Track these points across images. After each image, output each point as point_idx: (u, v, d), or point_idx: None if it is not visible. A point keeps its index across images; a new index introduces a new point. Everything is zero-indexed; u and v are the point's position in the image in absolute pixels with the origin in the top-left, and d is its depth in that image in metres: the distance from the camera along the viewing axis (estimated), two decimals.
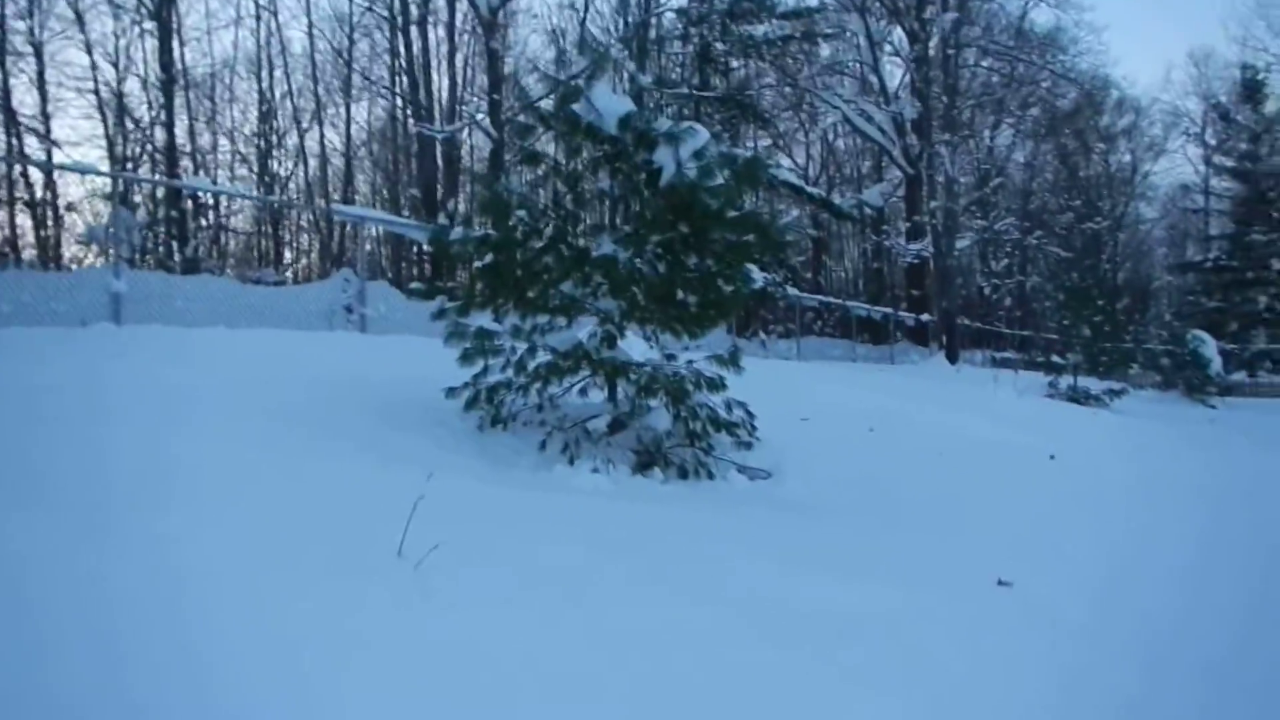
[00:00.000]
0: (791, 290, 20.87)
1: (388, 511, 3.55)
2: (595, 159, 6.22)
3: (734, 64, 24.41)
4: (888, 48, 26.94)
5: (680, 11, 23.28)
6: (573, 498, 4.92)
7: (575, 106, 5.96)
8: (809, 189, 26.26)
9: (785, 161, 30.11)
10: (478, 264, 5.84)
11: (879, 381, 14.88)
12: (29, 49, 23.74)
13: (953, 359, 23.84)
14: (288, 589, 3.07)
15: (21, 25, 23.48)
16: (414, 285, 7.26)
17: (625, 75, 6.44)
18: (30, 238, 24.55)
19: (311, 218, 26.65)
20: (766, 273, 18.21)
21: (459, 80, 24.02)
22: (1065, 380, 18.37)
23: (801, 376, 13.88)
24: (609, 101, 5.87)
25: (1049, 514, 6.08)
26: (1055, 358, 20.02)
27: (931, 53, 25.38)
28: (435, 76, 24.29)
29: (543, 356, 5.93)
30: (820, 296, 25.37)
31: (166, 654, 2.58)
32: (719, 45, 22.57)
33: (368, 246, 12.71)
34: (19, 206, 23.77)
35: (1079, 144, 37.68)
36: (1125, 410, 17.03)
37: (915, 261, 26.53)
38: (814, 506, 5.48)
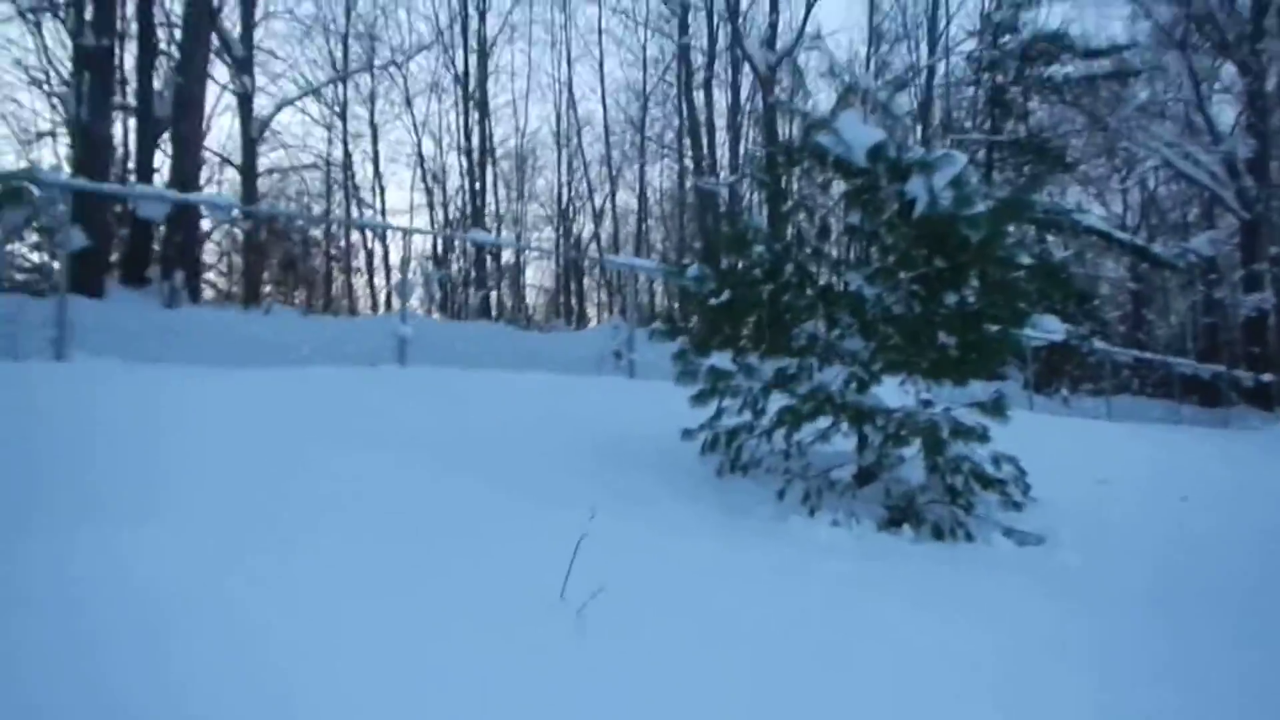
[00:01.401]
0: (1100, 344, 19.00)
1: (600, 560, 3.37)
2: (846, 192, 5.86)
3: (1032, 107, 22.91)
4: (1215, 83, 24.26)
5: (969, 56, 22.25)
6: (803, 553, 4.52)
7: (823, 139, 5.65)
8: (1120, 236, 23.94)
9: (1097, 210, 27.72)
10: (713, 302, 5.63)
11: (1204, 446, 13.06)
12: (367, 131, 26.81)
13: None
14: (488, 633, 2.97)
15: (362, 111, 26.59)
16: (655, 326, 7.14)
17: (879, 108, 6.02)
18: (364, 294, 27.77)
19: (601, 271, 27.87)
20: (1070, 324, 16.69)
21: (741, 135, 24.37)
22: None
23: (1108, 436, 12.45)
24: (858, 132, 5.51)
25: None
26: None
27: (1269, 87, 22.52)
28: (720, 133, 24.87)
29: (780, 399, 5.59)
30: (1136, 352, 22.89)
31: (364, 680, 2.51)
32: (1013, 89, 21.28)
33: (639, 294, 13.04)
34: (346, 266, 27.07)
35: None
36: None
37: (1254, 315, 23.43)
38: (1087, 580, 4.71)
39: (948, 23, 23.41)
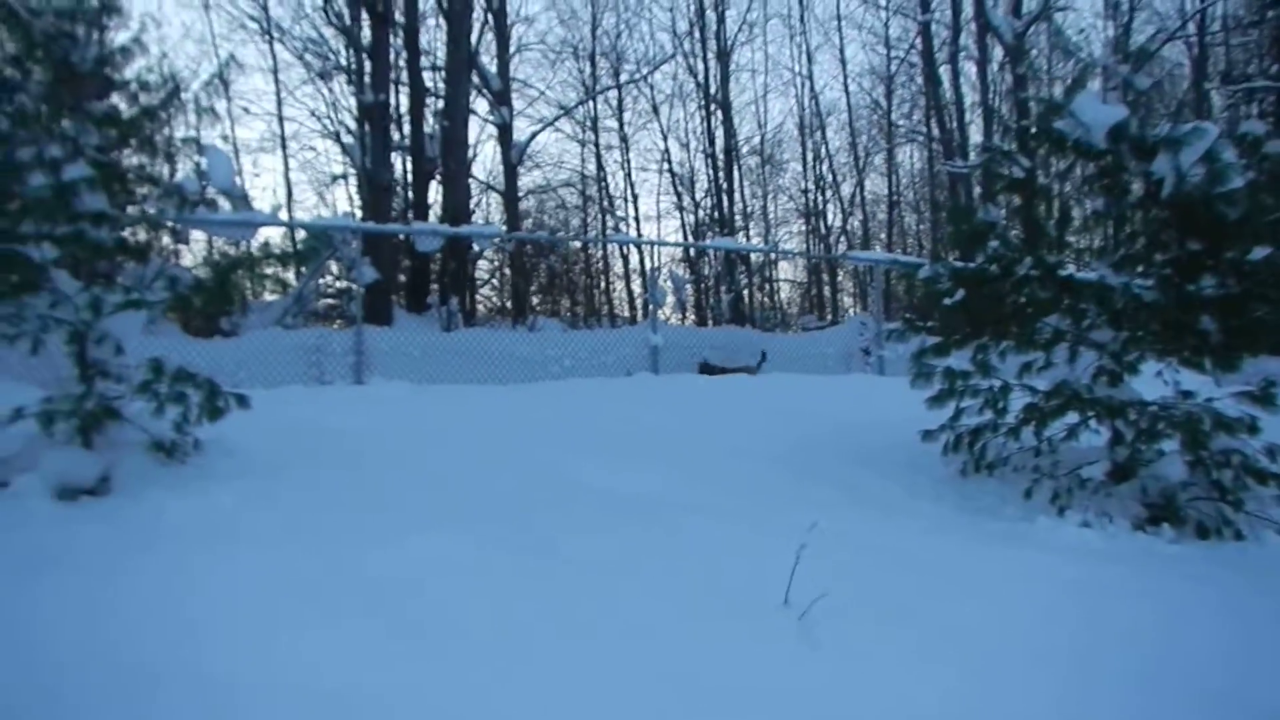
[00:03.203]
0: None
1: (834, 564, 3.54)
2: (1087, 176, 5.62)
3: None
4: None
5: None
6: (1047, 554, 4.42)
7: (1059, 124, 5.45)
8: None
9: None
10: (947, 301, 5.57)
11: None
12: (618, 142, 27.96)
13: None
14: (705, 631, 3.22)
15: (612, 123, 27.75)
16: (890, 326, 7.10)
17: (1119, 82, 5.72)
18: (622, 299, 28.96)
19: (846, 265, 27.47)
20: None
21: (993, 111, 23.26)
22: None
23: None
24: (1096, 112, 5.27)
25: None
26: None
27: None
28: (968, 113, 23.92)
29: (1021, 396, 5.45)
30: None
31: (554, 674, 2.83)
32: None
33: (889, 287, 12.80)
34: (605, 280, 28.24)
35: None
36: None
37: None
38: None
39: None
